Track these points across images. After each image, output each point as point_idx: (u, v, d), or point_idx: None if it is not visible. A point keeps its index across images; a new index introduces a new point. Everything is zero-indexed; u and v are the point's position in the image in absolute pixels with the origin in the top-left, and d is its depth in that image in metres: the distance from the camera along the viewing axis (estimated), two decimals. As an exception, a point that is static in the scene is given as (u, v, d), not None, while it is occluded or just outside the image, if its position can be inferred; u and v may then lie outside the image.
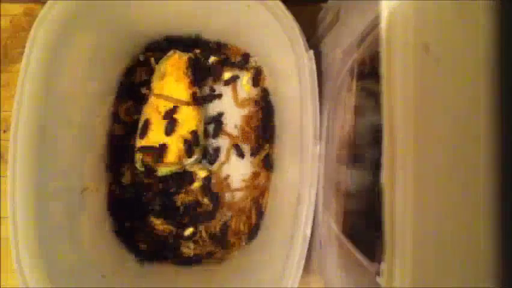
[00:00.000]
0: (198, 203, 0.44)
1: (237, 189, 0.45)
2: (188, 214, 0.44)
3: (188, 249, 0.44)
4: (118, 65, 0.43)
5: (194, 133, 0.42)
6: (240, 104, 0.46)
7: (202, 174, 0.44)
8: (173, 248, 0.44)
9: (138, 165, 0.43)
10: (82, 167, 0.39)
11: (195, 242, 0.44)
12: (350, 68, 0.30)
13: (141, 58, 0.45)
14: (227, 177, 0.45)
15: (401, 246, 0.17)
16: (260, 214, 0.43)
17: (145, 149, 0.42)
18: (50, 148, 0.34)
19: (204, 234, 0.44)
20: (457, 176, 0.17)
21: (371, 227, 0.27)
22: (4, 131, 0.46)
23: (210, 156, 0.45)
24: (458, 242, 0.17)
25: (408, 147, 0.17)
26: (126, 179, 0.44)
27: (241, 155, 0.45)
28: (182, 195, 0.45)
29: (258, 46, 0.43)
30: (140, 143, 0.43)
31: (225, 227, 0.44)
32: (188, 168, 0.44)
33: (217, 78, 0.45)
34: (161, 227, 0.44)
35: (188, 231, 0.44)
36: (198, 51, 0.45)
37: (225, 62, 0.45)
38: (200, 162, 0.45)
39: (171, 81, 0.43)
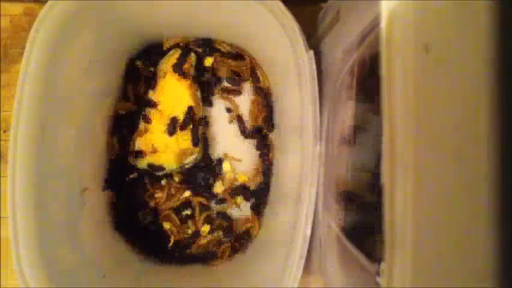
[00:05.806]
0: (198, 202, 0.44)
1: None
2: (189, 214, 0.44)
3: (188, 249, 0.44)
4: (118, 65, 0.43)
5: (189, 109, 0.41)
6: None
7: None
8: (174, 247, 0.44)
9: (138, 163, 0.43)
10: (82, 167, 0.39)
11: (195, 242, 0.44)
12: (350, 68, 0.30)
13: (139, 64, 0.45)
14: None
15: (401, 246, 0.17)
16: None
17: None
18: (50, 148, 0.34)
19: (205, 233, 0.44)
20: (457, 176, 0.17)
21: (371, 227, 0.27)
22: (4, 131, 0.46)
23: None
24: (458, 242, 0.17)
25: (408, 147, 0.17)
26: (127, 178, 0.44)
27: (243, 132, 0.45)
28: (183, 194, 0.45)
29: (258, 46, 0.43)
30: (139, 141, 0.43)
31: (228, 225, 0.44)
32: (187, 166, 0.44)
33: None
34: (162, 226, 0.44)
35: (191, 229, 0.44)
36: (199, 50, 0.45)
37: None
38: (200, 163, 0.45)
39: (172, 80, 0.43)
